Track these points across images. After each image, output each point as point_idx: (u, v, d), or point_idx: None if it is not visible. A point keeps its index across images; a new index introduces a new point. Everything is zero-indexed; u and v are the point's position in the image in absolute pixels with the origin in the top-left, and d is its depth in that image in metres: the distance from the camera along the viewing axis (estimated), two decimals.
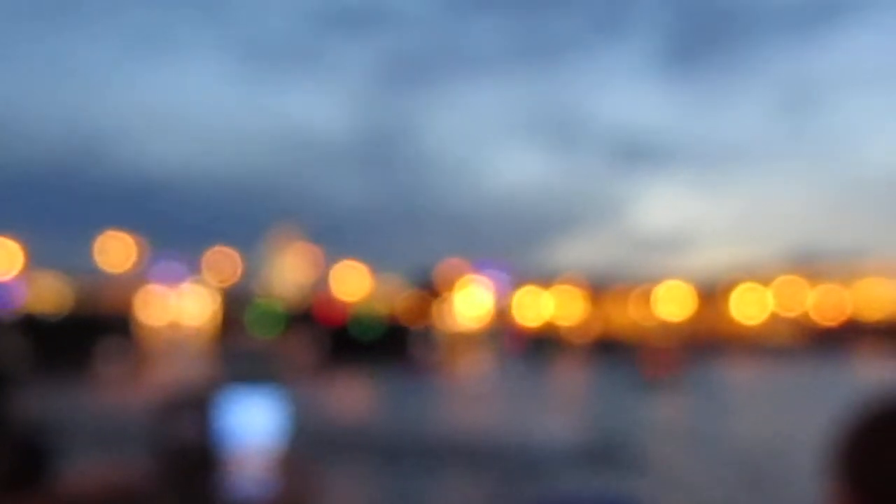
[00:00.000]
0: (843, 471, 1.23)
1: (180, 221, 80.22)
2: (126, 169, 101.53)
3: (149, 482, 5.78)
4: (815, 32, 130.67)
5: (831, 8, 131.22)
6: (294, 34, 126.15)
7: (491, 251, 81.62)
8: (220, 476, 5.82)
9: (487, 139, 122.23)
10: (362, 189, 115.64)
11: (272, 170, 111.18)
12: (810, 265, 75.06)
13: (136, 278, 58.43)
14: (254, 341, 44.28)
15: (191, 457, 5.76)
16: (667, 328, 70.09)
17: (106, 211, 77.57)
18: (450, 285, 69.19)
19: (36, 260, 54.56)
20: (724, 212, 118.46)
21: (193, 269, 61.34)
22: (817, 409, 15.97)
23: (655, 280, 76.58)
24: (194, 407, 5.92)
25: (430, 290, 68.13)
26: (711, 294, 75.44)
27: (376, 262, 69.04)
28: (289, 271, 66.85)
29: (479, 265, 70.88)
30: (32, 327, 45.25)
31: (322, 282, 66.63)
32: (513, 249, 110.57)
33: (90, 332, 49.32)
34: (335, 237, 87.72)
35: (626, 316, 74.97)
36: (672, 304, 74.99)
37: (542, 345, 65.56)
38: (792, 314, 73.57)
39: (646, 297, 75.75)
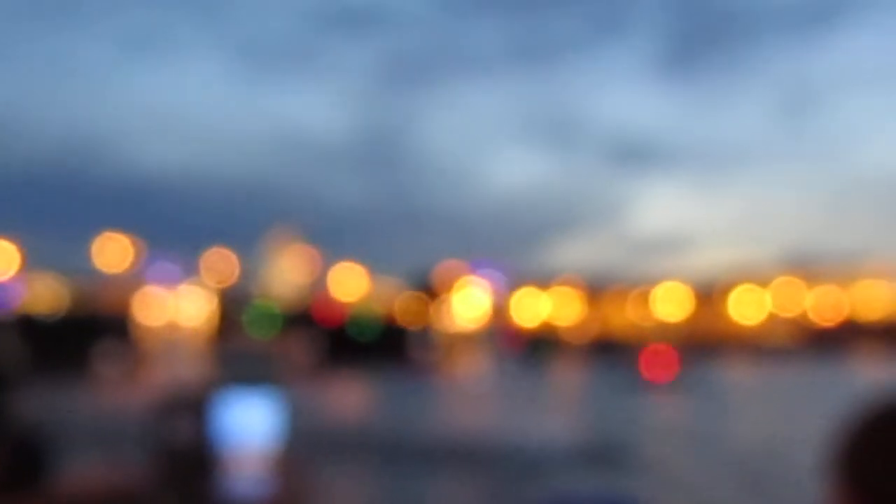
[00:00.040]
0: (842, 471, 1.23)
1: (178, 222, 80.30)
2: (124, 169, 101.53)
3: (146, 483, 5.77)
4: (815, 32, 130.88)
5: (831, 8, 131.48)
6: (293, 34, 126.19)
7: (489, 252, 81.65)
8: (217, 476, 5.81)
9: (486, 140, 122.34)
10: (360, 190, 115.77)
11: (270, 170, 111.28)
12: (808, 266, 75.16)
13: (134, 279, 58.40)
14: (251, 342, 44.20)
15: (188, 457, 5.75)
16: (665, 329, 70.13)
17: (104, 212, 77.51)
18: (448, 286, 69.19)
19: (33, 261, 54.58)
20: (723, 212, 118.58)
21: (191, 270, 61.35)
22: (815, 409, 15.99)
23: (654, 281, 76.70)
24: (191, 408, 5.91)
25: (428, 291, 68.13)
26: (710, 295, 75.47)
27: (374, 263, 69.14)
28: (287, 272, 66.82)
29: (477, 266, 70.89)
30: (30, 328, 45.16)
31: (320, 283, 66.66)
32: (511, 250, 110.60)
33: (88, 333, 49.30)
34: (333, 238, 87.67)
35: (624, 317, 75.01)
36: (670, 304, 75.04)
37: (540, 345, 65.59)
38: (790, 315, 73.64)
39: (644, 298, 75.80)
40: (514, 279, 72.89)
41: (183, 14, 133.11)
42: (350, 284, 65.75)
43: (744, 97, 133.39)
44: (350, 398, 32.89)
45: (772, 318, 73.96)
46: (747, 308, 74.58)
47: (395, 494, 12.49)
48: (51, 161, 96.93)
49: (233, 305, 60.55)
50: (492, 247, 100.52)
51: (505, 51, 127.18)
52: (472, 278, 70.24)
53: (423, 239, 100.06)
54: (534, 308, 73.78)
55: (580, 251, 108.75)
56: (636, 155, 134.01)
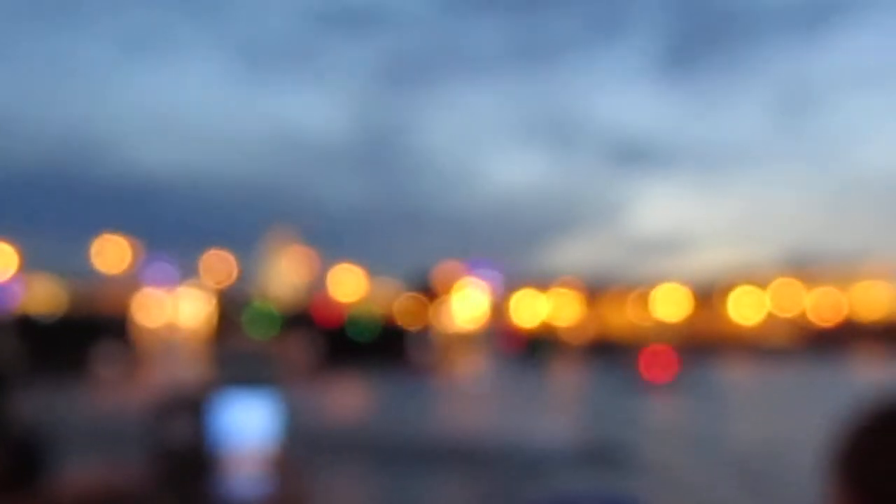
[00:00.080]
0: (842, 471, 1.22)
1: (177, 223, 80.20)
2: (123, 170, 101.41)
3: (145, 483, 5.76)
4: (815, 32, 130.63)
5: (831, 8, 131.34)
6: (293, 34, 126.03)
7: (488, 252, 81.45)
8: (216, 477, 5.81)
9: (486, 140, 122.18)
10: (360, 190, 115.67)
11: (269, 171, 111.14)
12: (807, 267, 75.19)
13: (133, 280, 58.39)
14: (250, 343, 44.20)
15: (186, 458, 5.75)
16: (664, 329, 70.13)
17: (102, 213, 77.45)
18: (447, 287, 69.19)
19: (32, 262, 54.54)
20: (722, 213, 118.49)
21: (190, 271, 61.36)
22: (815, 409, 15.98)
23: (653, 282, 76.72)
24: (190, 408, 5.91)
25: (427, 291, 68.14)
26: (709, 296, 75.51)
27: (373, 264, 69.09)
28: (285, 273, 66.83)
29: (476, 266, 70.90)
30: (28, 329, 45.12)
31: (319, 283, 66.68)
32: (510, 251, 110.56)
33: (86, 335, 49.26)
34: (332, 239, 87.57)
35: (623, 317, 75.02)
36: (669, 305, 75.06)
37: (539, 346, 65.59)
38: (789, 315, 73.67)
39: (643, 299, 75.82)
40: (514, 280, 72.94)
41: (183, 14, 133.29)
42: (349, 285, 65.77)
43: (743, 97, 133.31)
44: (349, 399, 32.88)
45: (771, 318, 73.98)
46: (747, 308, 74.61)
47: (394, 495, 12.49)
48: (50, 161, 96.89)
49: (231, 306, 60.54)
50: (491, 247, 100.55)
51: (505, 51, 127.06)
52: (471, 279, 70.26)
53: (422, 239, 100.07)
54: (533, 308, 73.79)
55: (579, 252, 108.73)
56: (636, 155, 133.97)
